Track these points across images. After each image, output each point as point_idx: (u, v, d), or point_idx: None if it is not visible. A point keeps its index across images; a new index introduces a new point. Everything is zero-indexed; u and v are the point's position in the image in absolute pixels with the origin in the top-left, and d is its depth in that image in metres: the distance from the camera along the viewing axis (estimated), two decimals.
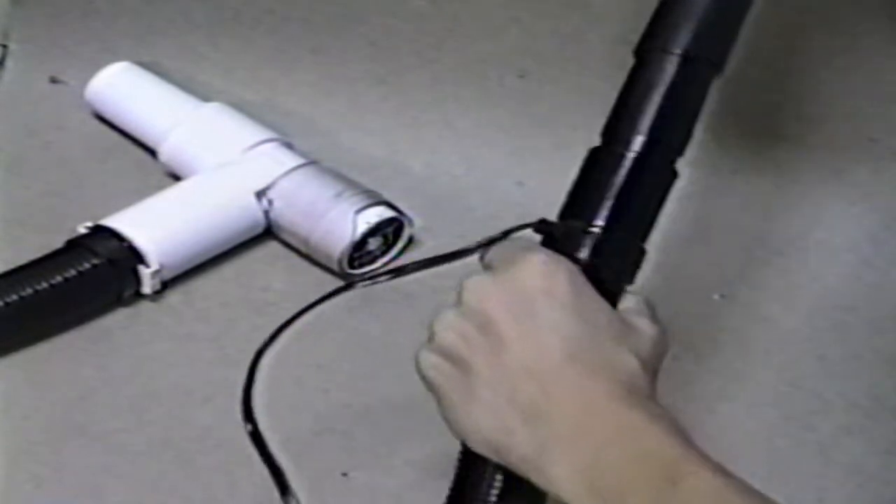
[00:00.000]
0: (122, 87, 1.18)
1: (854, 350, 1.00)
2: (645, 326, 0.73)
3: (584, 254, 0.74)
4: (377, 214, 1.04)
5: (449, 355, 0.71)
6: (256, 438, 0.77)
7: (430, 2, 1.17)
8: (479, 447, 0.71)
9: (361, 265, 1.05)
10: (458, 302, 0.72)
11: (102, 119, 1.18)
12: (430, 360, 0.72)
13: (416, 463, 0.91)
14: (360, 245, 1.04)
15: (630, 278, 0.77)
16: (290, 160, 1.08)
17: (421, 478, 0.90)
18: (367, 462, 0.90)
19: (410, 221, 1.07)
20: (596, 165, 0.77)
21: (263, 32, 1.23)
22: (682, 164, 0.84)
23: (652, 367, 0.72)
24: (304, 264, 1.06)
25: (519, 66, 1.15)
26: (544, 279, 0.71)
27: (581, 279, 0.72)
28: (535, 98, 1.15)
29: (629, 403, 0.68)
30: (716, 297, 1.04)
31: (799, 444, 0.94)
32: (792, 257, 1.07)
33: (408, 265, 0.80)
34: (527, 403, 0.69)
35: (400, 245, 1.07)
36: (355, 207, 1.04)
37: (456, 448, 0.88)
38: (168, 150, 1.12)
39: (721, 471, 0.65)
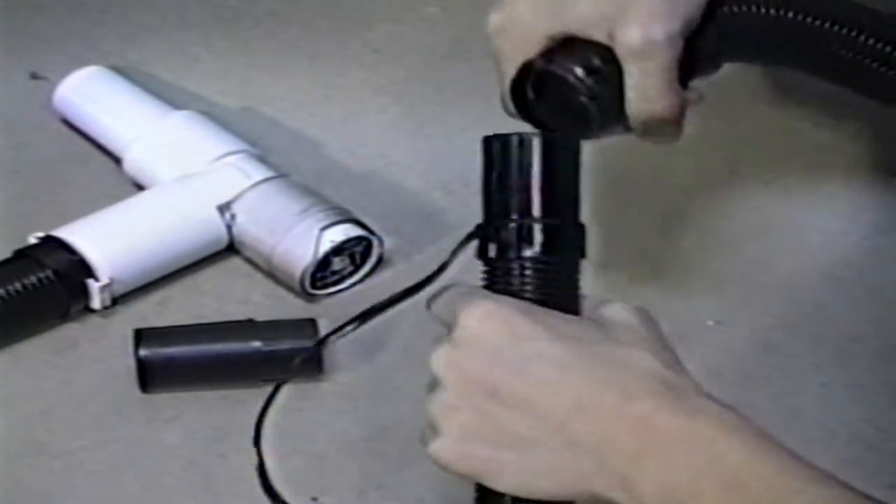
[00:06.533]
0: (89, 94, 1.14)
1: (858, 379, 0.98)
2: (620, 314, 0.69)
3: (536, 248, 0.73)
4: (343, 232, 1.01)
5: (474, 436, 0.67)
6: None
7: (442, 9, 1.16)
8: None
9: (326, 286, 1.01)
10: (441, 381, 0.68)
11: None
12: (453, 450, 0.67)
13: (388, 489, 0.88)
14: (324, 264, 1.00)
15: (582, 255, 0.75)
16: (257, 173, 1.04)
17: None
18: (338, 486, 0.88)
19: (380, 241, 1.03)
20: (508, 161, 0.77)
21: (262, 35, 1.21)
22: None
23: (661, 345, 0.68)
24: None
25: None
26: (503, 323, 0.67)
27: (533, 309, 0.69)
28: None
29: (680, 410, 0.65)
30: (710, 322, 1.01)
31: None
32: (799, 287, 1.05)
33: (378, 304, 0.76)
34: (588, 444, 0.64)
35: (368, 266, 1.03)
36: (320, 224, 1.00)
37: (431, 473, 0.85)
38: (132, 159, 1.08)
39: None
